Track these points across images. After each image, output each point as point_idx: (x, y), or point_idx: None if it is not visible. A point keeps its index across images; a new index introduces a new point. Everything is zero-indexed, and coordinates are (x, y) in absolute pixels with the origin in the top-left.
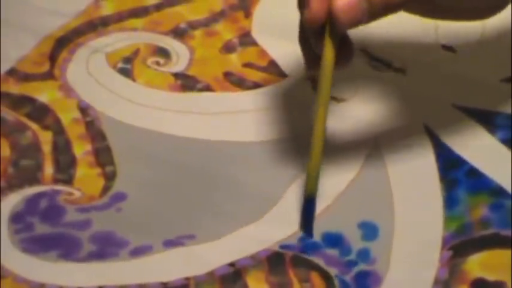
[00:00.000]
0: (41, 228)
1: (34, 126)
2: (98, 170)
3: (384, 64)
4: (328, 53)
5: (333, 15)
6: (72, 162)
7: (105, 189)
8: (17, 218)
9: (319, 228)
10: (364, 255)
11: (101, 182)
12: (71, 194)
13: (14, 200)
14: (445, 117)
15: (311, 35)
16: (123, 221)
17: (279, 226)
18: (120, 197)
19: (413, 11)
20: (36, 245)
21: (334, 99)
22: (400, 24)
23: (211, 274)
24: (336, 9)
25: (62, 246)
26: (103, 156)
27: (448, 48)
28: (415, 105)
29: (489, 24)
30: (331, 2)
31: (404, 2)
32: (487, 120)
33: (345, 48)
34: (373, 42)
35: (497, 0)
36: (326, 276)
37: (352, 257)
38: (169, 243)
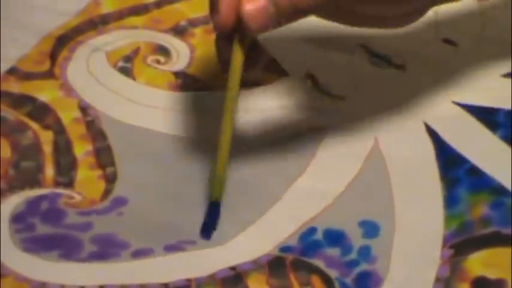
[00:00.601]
0: (42, 229)
1: (35, 125)
2: (98, 172)
3: (384, 60)
4: (237, 57)
5: (242, 20)
6: (73, 163)
7: (106, 193)
8: (18, 218)
9: (320, 226)
10: (365, 253)
11: (101, 185)
12: (71, 197)
13: (15, 201)
14: (445, 114)
15: (222, 39)
16: (124, 224)
17: (279, 226)
18: (121, 202)
19: (328, 17)
20: (37, 245)
21: (336, 97)
22: None
23: (212, 277)
24: (245, 15)
25: (63, 246)
26: (104, 156)
27: (448, 41)
28: (415, 103)
29: (489, 19)
30: (240, 7)
31: (312, 6)
32: (488, 117)
33: (254, 52)
34: (372, 38)
35: (416, 7)
36: (327, 279)
37: (353, 255)
38: (170, 248)
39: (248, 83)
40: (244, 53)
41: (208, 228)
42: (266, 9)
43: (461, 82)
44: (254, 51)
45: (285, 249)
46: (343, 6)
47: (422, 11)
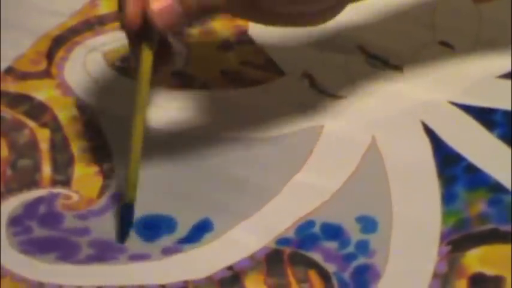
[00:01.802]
0: (40, 232)
1: (32, 124)
2: (95, 168)
3: (381, 61)
4: (145, 56)
5: (149, 19)
6: (70, 160)
7: (103, 189)
8: (15, 221)
9: (318, 220)
10: (363, 247)
11: (98, 182)
12: (69, 197)
13: (13, 204)
14: (442, 113)
15: (129, 38)
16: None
17: (276, 219)
18: (117, 199)
19: (240, 16)
20: (35, 247)
21: (333, 96)
22: (397, 21)
23: (209, 278)
24: (151, 14)
25: (60, 249)
26: (101, 153)
27: (445, 44)
28: (413, 102)
29: (486, 21)
30: (146, 6)
31: (220, 6)
32: (485, 116)
33: (164, 51)
34: (370, 40)
35: (330, 5)
36: (324, 275)
37: (351, 249)
38: (168, 251)
39: (246, 82)
40: (153, 53)
41: (124, 230)
42: (172, 7)
43: (458, 83)
44: (164, 51)
45: (282, 241)
46: (255, 5)
47: (336, 10)
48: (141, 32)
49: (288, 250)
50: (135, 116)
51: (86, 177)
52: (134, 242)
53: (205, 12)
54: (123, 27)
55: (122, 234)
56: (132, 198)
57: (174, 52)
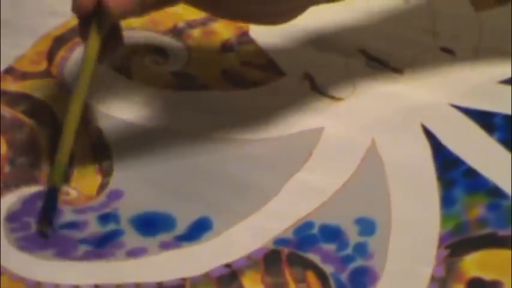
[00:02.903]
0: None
1: (31, 122)
2: (94, 166)
3: (382, 64)
4: (93, 43)
5: (103, 5)
6: (69, 160)
7: (102, 186)
8: (13, 217)
9: (317, 222)
10: (361, 249)
11: (97, 179)
12: (67, 193)
13: (11, 200)
14: (442, 117)
15: (79, 22)
16: (118, 222)
17: (275, 220)
18: (116, 195)
19: (201, 8)
20: (32, 244)
21: (333, 97)
22: (399, 26)
23: (207, 275)
24: (107, 0)
25: (58, 245)
26: (100, 151)
27: (446, 50)
28: (413, 104)
29: (487, 28)
30: None
31: None
32: (485, 120)
33: (113, 39)
34: (371, 44)
35: (294, 5)
36: (322, 276)
37: (349, 251)
38: (166, 246)
39: (246, 83)
40: (101, 40)
41: (48, 215)
42: None
43: (459, 87)
44: (112, 39)
45: (280, 242)
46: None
47: (300, 10)
48: (92, 17)
49: (286, 251)
50: (72, 101)
51: (85, 175)
52: (131, 237)
53: (163, 2)
54: (74, 9)
55: (45, 220)
56: (56, 181)
57: (123, 40)
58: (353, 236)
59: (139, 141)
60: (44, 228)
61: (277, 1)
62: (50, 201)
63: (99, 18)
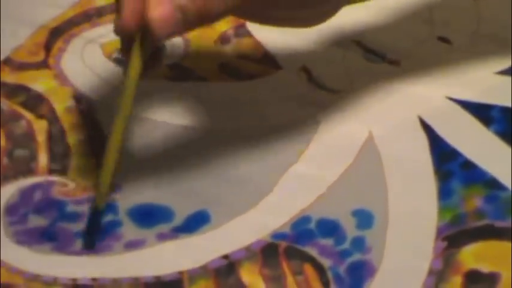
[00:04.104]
0: (35, 221)
1: (29, 115)
2: (92, 160)
3: (378, 56)
4: (135, 63)
5: (148, 26)
6: (67, 152)
7: None
8: (11, 210)
9: (314, 215)
10: (359, 243)
11: (95, 173)
12: (65, 185)
13: (9, 192)
14: (439, 109)
15: (122, 42)
16: (116, 214)
17: (272, 214)
18: (116, 189)
19: (239, 18)
20: (30, 238)
21: (330, 90)
22: (395, 16)
23: (204, 267)
24: (151, 21)
25: (55, 239)
26: (97, 145)
27: (443, 39)
28: (410, 97)
29: (484, 17)
30: (146, 12)
31: (220, 14)
32: (482, 112)
33: (154, 58)
34: (367, 34)
35: (325, 10)
36: (319, 268)
37: (347, 245)
38: (163, 237)
39: (243, 76)
40: (144, 61)
41: (91, 236)
42: (173, 16)
43: (456, 79)
44: (155, 57)
45: (277, 236)
46: (250, 12)
47: (332, 13)
48: (136, 37)
49: (283, 244)
50: (116, 123)
51: (83, 168)
52: (129, 229)
53: (204, 20)
54: (118, 30)
55: (89, 240)
56: (101, 204)
57: (164, 57)
58: (350, 229)
59: (137, 134)
60: (87, 246)
61: (319, 4)
62: (94, 223)
63: (143, 39)
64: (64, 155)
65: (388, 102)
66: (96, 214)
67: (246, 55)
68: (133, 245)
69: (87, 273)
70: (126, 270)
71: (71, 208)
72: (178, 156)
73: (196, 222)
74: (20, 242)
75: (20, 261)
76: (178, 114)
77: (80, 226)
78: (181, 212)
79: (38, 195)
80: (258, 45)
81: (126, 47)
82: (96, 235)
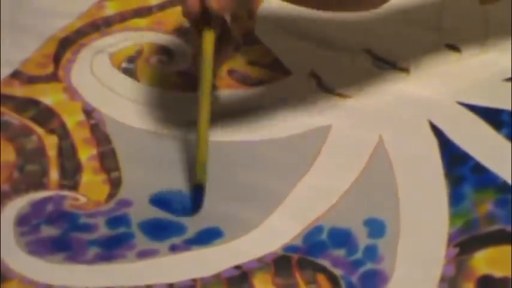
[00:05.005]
0: (47, 231)
1: (39, 130)
2: (103, 176)
3: (388, 64)
4: (207, 39)
5: (206, 5)
6: (78, 167)
7: (111, 196)
8: (22, 221)
9: (326, 225)
10: (371, 252)
11: (106, 189)
12: (76, 199)
13: (20, 203)
14: (449, 113)
15: (191, 28)
16: (129, 227)
17: (284, 227)
18: (125, 203)
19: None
20: (42, 248)
21: (340, 95)
22: (404, 24)
23: (217, 276)
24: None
25: (68, 248)
26: (108, 160)
27: (452, 47)
28: (419, 102)
29: (493, 24)
30: None
31: None
32: (492, 116)
33: (227, 38)
34: (377, 43)
35: None
36: (332, 278)
37: (359, 255)
38: (176, 248)
39: (253, 82)
40: (215, 40)
41: (197, 209)
42: None
43: (465, 85)
44: (226, 38)
45: (290, 249)
46: None
47: None
48: (202, 19)
49: (295, 256)
50: (200, 98)
51: (94, 184)
52: (141, 240)
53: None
54: (185, 16)
55: (196, 208)
56: (202, 178)
57: (235, 36)
58: (363, 238)
59: (148, 150)
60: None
61: None
62: (198, 197)
63: (208, 18)
64: (75, 171)
65: (398, 107)
66: (198, 188)
67: (255, 61)
68: (146, 254)
69: (100, 282)
70: (140, 278)
71: (83, 220)
72: (189, 172)
73: (208, 236)
74: (32, 252)
75: (33, 271)
76: (188, 127)
77: (93, 236)
78: (194, 227)
79: (49, 207)
80: (267, 51)
81: (195, 31)
82: (200, 205)
